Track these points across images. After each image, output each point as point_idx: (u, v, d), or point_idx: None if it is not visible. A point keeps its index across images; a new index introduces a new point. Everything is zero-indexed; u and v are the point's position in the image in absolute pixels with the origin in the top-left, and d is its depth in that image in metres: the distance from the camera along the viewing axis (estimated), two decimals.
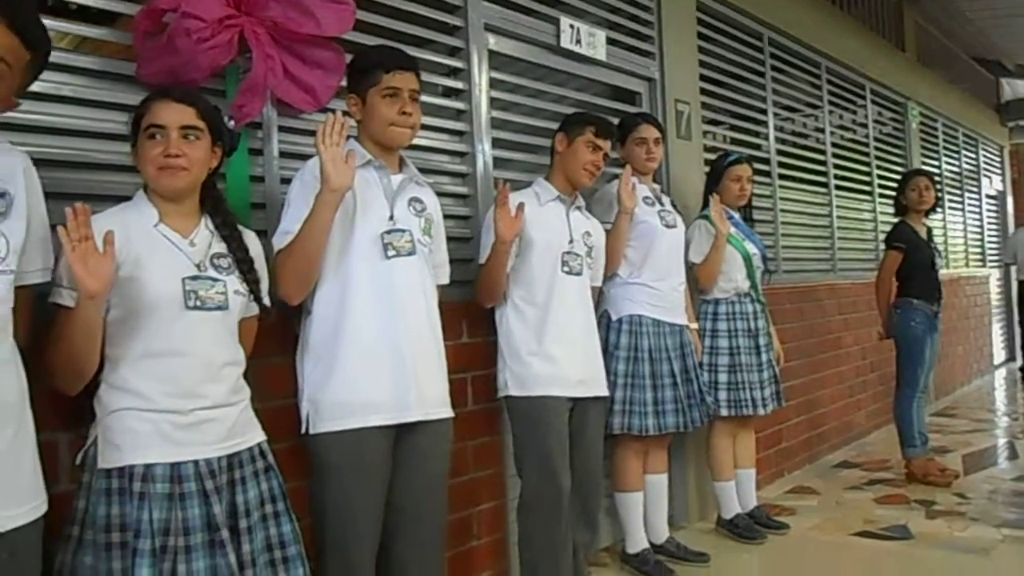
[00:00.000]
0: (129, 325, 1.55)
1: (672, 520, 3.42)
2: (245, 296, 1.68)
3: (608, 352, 3.05)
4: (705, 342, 3.49)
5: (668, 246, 3.17)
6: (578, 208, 2.69)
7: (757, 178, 3.76)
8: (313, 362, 1.92)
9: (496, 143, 2.95)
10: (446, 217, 2.71)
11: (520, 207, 2.34)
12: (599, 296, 2.93)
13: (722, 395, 3.43)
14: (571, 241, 2.58)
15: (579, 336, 2.59)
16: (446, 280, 2.24)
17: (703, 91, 4.12)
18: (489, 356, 2.68)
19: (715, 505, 3.64)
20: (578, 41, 3.28)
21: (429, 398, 1.98)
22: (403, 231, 1.98)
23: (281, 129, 2.22)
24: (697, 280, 3.50)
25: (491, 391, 2.69)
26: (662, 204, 3.24)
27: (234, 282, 1.66)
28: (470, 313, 2.65)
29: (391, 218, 1.98)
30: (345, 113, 1.95)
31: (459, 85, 2.85)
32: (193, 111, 1.62)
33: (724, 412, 3.43)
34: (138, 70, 1.88)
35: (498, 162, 2.96)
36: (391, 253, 1.94)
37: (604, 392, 2.70)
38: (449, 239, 2.70)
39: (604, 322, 3.11)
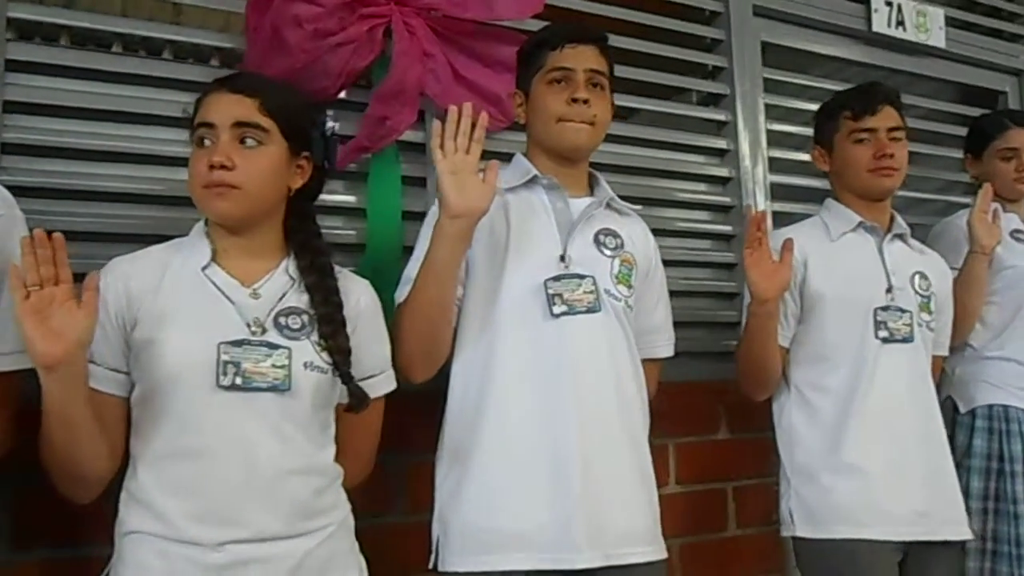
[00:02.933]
0: (150, 410, 1.14)
1: None
2: (327, 371, 1.19)
3: (955, 460, 2.14)
4: None
5: None
6: (900, 237, 1.87)
7: None
8: (447, 466, 1.39)
9: (775, 166, 2.24)
10: (703, 265, 2.11)
11: (787, 247, 1.62)
12: (940, 376, 2.05)
13: None
14: (890, 289, 1.76)
15: (913, 441, 1.73)
16: (665, 352, 1.60)
17: None
18: (762, 458, 1.95)
19: None
20: (900, 23, 2.48)
21: (611, 530, 1.33)
22: (581, 278, 1.40)
23: None
24: None
25: (766, 508, 1.95)
26: None
27: (307, 350, 1.18)
28: (731, 397, 1.94)
29: (563, 258, 1.40)
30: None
31: (720, 89, 2.21)
32: (253, 103, 1.18)
33: None
34: None
35: (778, 190, 2.25)
36: (559, 309, 1.36)
37: (962, 534, 1.78)
38: (706, 295, 2.09)
39: (947, 415, 2.20)
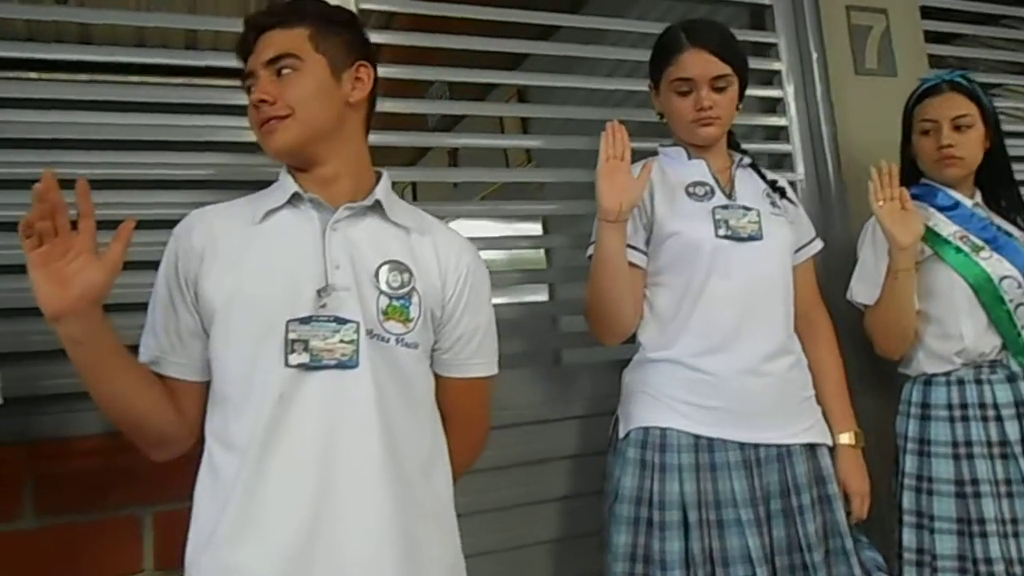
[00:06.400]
0: None
1: None
2: None
3: (607, 505, 1.58)
4: (906, 464, 1.77)
5: (741, 280, 1.60)
6: (375, 211, 1.27)
7: None
8: None
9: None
10: None
11: None
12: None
13: None
14: (325, 290, 1.18)
15: (350, 519, 1.13)
16: None
17: None
18: None
19: None
20: None
21: None
22: None
23: None
24: (872, 340, 1.80)
25: None
26: (730, 195, 1.65)
27: None
28: None
29: None
30: None
31: None
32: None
33: None
34: None
35: None
36: None
37: None
38: None
39: (613, 441, 1.64)
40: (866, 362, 1.91)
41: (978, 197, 1.82)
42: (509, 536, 1.73)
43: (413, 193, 4.18)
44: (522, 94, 3.25)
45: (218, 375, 1.18)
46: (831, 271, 1.97)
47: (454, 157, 4.00)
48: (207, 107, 1.63)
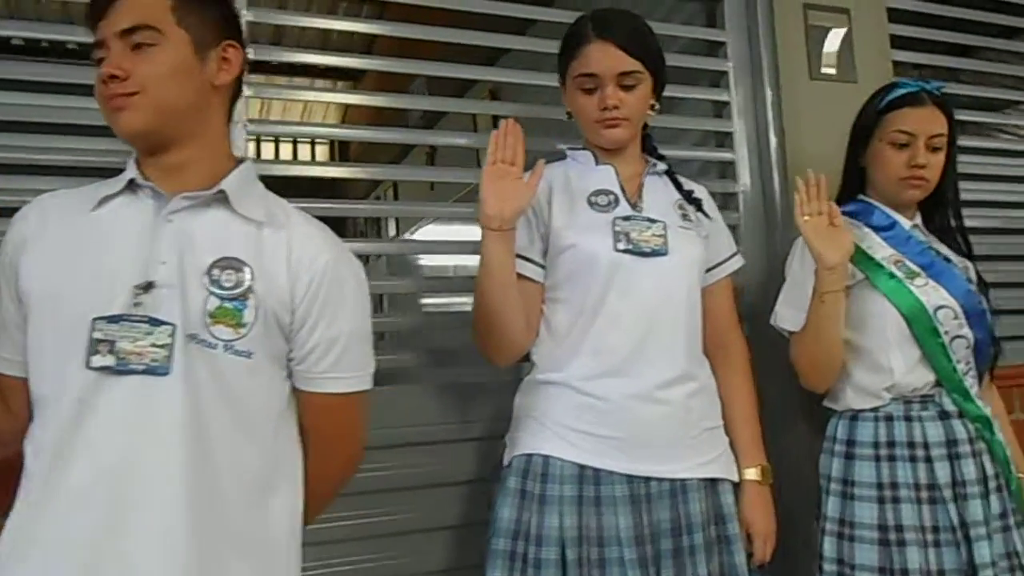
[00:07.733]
0: None
1: None
2: None
3: (487, 538, 1.48)
4: (828, 507, 1.63)
5: (641, 299, 1.49)
6: (221, 201, 1.14)
7: None
8: None
9: None
10: None
11: None
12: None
13: None
14: (149, 288, 1.07)
15: (139, 556, 1.03)
16: None
17: None
18: None
19: None
20: None
21: None
22: None
23: None
24: (797, 370, 1.68)
25: None
26: (636, 206, 1.54)
27: None
28: None
29: None
30: None
31: None
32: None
33: None
34: None
35: None
36: None
37: None
38: None
39: (499, 468, 1.55)
40: (796, 394, 1.78)
41: (918, 219, 1.69)
42: (394, 564, 1.64)
43: (395, 194, 4.12)
44: (495, 93, 3.16)
45: (31, 372, 1.10)
46: (771, 291, 1.84)
47: (432, 158, 3.92)
48: (63, 86, 1.53)
